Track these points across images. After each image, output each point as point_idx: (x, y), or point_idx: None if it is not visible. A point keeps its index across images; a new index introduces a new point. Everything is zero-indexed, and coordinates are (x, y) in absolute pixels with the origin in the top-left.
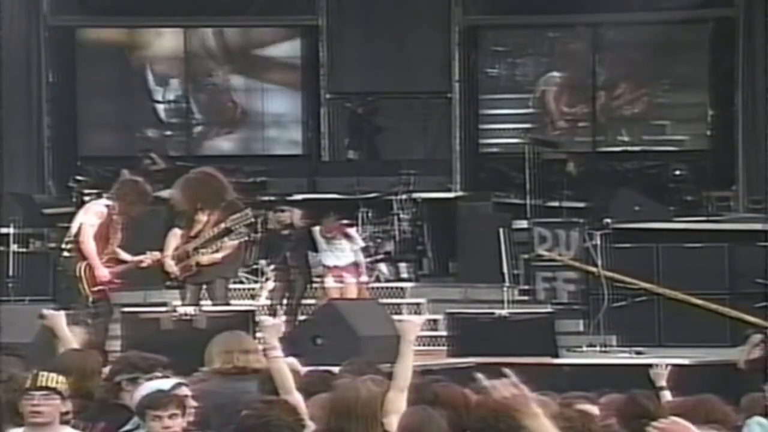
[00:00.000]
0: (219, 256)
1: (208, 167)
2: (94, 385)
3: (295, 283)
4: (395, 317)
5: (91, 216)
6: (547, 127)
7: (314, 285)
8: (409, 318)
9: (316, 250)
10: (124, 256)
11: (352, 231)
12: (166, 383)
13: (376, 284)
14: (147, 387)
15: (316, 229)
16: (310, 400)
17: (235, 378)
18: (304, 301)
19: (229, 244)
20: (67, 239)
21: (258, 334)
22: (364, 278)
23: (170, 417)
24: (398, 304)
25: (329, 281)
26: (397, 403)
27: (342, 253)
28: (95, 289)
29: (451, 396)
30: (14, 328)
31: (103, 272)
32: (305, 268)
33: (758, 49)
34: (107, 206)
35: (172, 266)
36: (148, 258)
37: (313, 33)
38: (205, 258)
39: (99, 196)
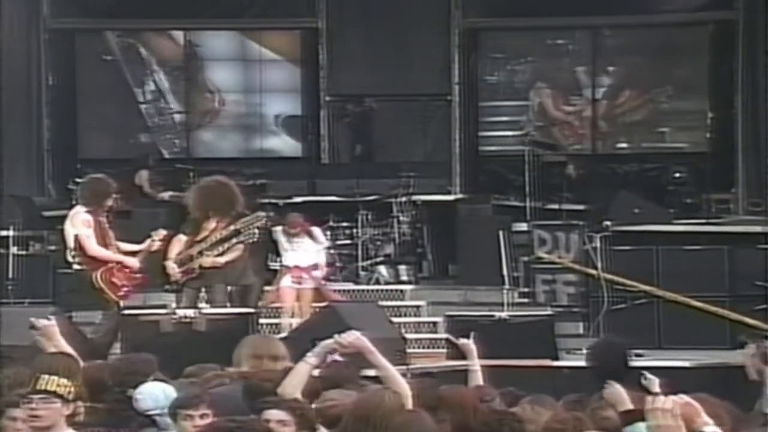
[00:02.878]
0: (222, 260)
1: (221, 176)
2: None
3: (252, 286)
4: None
5: (80, 227)
6: (547, 130)
7: (270, 286)
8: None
9: (277, 251)
10: (130, 247)
11: (316, 230)
12: (184, 385)
13: (376, 287)
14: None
15: (278, 228)
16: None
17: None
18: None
19: (234, 247)
20: (72, 253)
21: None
22: (323, 280)
23: (201, 417)
24: (398, 307)
25: (286, 281)
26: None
27: (304, 253)
28: (120, 293)
29: (458, 398)
30: (13, 331)
31: (133, 263)
32: (262, 269)
33: (758, 51)
34: (87, 212)
35: (173, 269)
36: (155, 240)
37: (313, 35)
38: (208, 260)
39: (74, 205)
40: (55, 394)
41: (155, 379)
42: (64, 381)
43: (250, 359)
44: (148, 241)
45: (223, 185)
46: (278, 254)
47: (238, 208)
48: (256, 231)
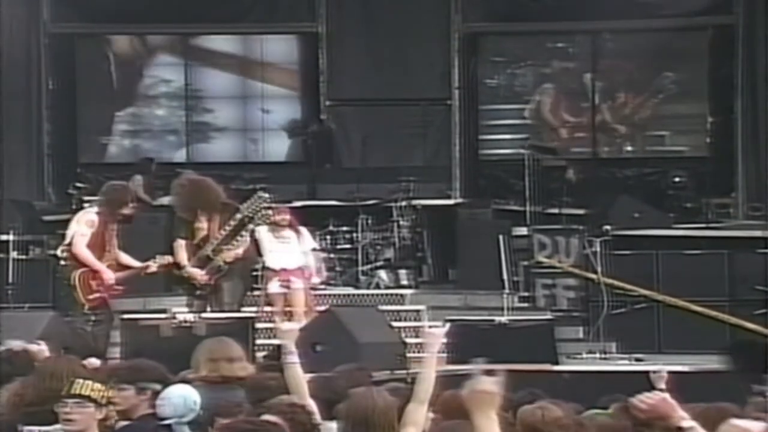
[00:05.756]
0: (240, 252)
1: (193, 174)
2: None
3: (235, 288)
4: (423, 324)
5: (82, 225)
6: (547, 135)
7: (256, 290)
8: (432, 329)
9: (258, 253)
10: (129, 260)
11: (303, 230)
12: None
13: (376, 291)
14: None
15: (262, 228)
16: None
17: (220, 387)
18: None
19: (245, 238)
20: (62, 248)
21: (258, 341)
22: (312, 282)
23: None
24: (398, 311)
25: (273, 286)
26: (416, 414)
27: (290, 255)
28: (91, 297)
29: (458, 402)
30: (14, 335)
31: (109, 276)
32: (246, 270)
33: (758, 55)
34: (98, 213)
35: (198, 273)
36: (155, 263)
37: (313, 40)
38: (230, 254)
39: (89, 204)
40: (89, 398)
41: (182, 382)
42: (98, 386)
43: (208, 363)
44: (148, 262)
45: (201, 182)
46: (260, 255)
47: (222, 201)
48: (265, 212)
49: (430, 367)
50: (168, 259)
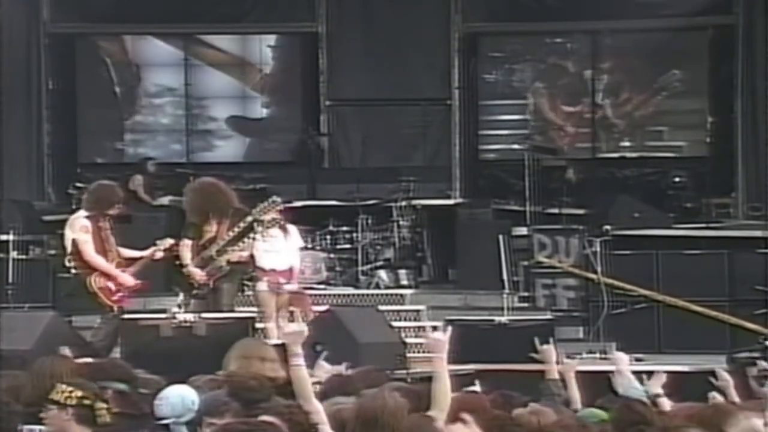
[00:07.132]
0: (245, 254)
1: (209, 177)
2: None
3: (234, 290)
4: (425, 325)
5: (78, 233)
6: (547, 134)
7: (245, 292)
8: (436, 335)
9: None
10: (132, 253)
11: (292, 228)
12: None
13: (376, 291)
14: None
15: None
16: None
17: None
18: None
19: (251, 241)
20: (69, 257)
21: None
22: (298, 283)
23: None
24: (398, 311)
25: (262, 286)
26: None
27: (278, 255)
28: (114, 298)
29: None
30: (14, 335)
31: (126, 278)
32: (235, 273)
33: (758, 55)
34: (87, 217)
35: (198, 273)
36: (160, 248)
37: (313, 40)
38: (234, 256)
39: (75, 209)
40: (51, 401)
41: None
42: (63, 387)
43: (239, 360)
44: (152, 249)
45: (215, 186)
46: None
47: (234, 205)
48: (276, 216)
49: (443, 371)
50: (170, 241)
